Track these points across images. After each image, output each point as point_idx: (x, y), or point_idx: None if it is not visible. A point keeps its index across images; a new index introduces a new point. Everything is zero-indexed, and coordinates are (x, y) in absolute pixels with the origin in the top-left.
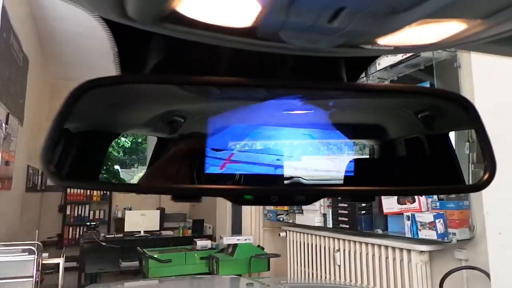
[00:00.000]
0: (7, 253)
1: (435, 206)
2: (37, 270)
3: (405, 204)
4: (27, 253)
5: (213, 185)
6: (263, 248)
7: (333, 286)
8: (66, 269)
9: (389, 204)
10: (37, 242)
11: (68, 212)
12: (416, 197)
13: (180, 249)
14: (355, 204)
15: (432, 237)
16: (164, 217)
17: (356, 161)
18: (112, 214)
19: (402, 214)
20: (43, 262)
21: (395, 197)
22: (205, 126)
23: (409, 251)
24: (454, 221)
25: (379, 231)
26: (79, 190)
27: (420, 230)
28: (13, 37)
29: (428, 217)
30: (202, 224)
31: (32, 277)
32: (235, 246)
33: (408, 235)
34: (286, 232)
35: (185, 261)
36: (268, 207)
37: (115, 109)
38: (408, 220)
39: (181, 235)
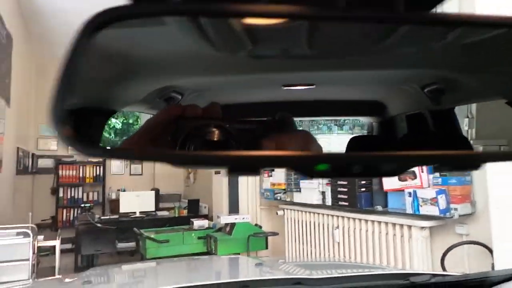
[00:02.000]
0: (1, 236)
1: (437, 182)
2: (33, 253)
3: (406, 180)
4: (22, 236)
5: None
6: (260, 227)
7: (335, 264)
8: (62, 251)
9: (390, 181)
10: (31, 225)
11: (61, 194)
12: (417, 173)
13: (177, 229)
14: (355, 181)
15: (434, 213)
16: (159, 197)
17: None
18: (106, 196)
19: (403, 190)
20: (39, 244)
21: None
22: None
23: (409, 227)
24: (456, 196)
25: (379, 208)
26: (71, 172)
27: (421, 206)
28: None
29: (430, 193)
30: (198, 204)
31: (28, 260)
32: (232, 225)
33: (409, 211)
34: (283, 211)
35: (183, 241)
36: (265, 186)
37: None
38: (410, 196)
39: (176, 215)
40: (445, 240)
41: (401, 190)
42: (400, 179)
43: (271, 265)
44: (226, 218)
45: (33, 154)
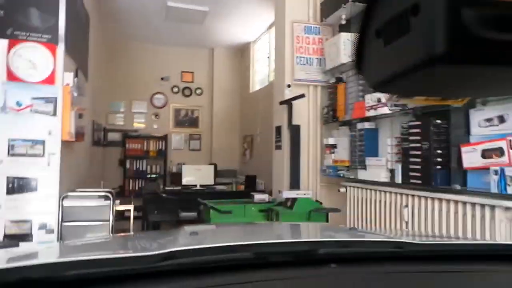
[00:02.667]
0: (86, 198)
1: None
2: (112, 215)
3: (491, 158)
4: (103, 199)
5: None
6: (321, 203)
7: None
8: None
9: (471, 158)
10: (111, 190)
11: (127, 166)
12: (505, 149)
13: (238, 202)
14: (430, 158)
15: None
16: (216, 173)
17: None
18: (168, 169)
19: (487, 169)
20: (116, 208)
21: (479, 151)
22: None
23: (492, 207)
24: None
25: (457, 187)
26: (136, 146)
27: (509, 185)
28: None
29: None
30: (255, 180)
31: (108, 220)
32: (294, 200)
33: (494, 191)
34: (346, 188)
35: (244, 213)
36: (326, 163)
37: None
38: (496, 174)
39: (234, 190)
40: None
41: (484, 168)
42: (483, 156)
43: (364, 231)
44: (288, 193)
45: (104, 128)
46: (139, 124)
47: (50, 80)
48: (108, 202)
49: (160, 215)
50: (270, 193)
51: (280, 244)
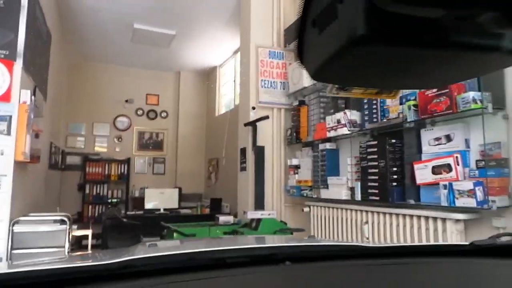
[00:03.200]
0: (40, 223)
1: (474, 175)
2: (68, 240)
3: (441, 174)
4: (58, 224)
5: None
6: (285, 223)
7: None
8: (87, 246)
9: (423, 175)
10: (68, 214)
11: (87, 191)
12: (452, 166)
13: (203, 225)
14: (387, 175)
15: (471, 205)
16: (181, 197)
17: None
18: (130, 193)
19: (437, 184)
20: (73, 233)
21: (429, 168)
22: None
23: (444, 220)
24: (494, 188)
25: (412, 202)
26: (97, 169)
27: (457, 198)
28: (39, 10)
29: (467, 185)
30: (220, 202)
31: (64, 247)
32: (258, 220)
33: (444, 204)
34: (310, 207)
35: (209, 235)
36: (290, 183)
37: None
38: (445, 189)
39: (199, 213)
40: (481, 234)
41: (435, 184)
42: (434, 173)
43: (322, 239)
44: (252, 214)
45: (62, 151)
46: (100, 148)
47: (5, 97)
48: (64, 226)
49: (121, 242)
50: (235, 215)
51: (238, 250)
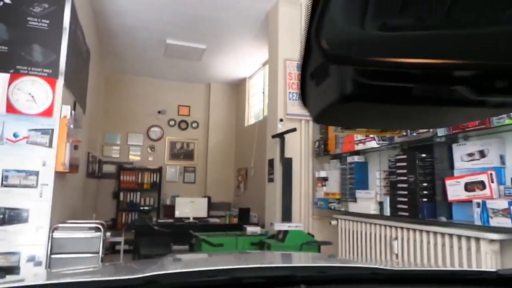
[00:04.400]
0: (76, 230)
1: (509, 193)
2: (102, 247)
3: (474, 191)
4: (93, 231)
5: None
6: (313, 236)
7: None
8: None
9: (455, 191)
10: (102, 222)
11: (121, 198)
12: (486, 183)
13: (230, 235)
14: (416, 191)
15: (506, 225)
16: (210, 206)
17: None
18: (161, 201)
19: (470, 201)
20: (107, 240)
21: (462, 184)
22: None
23: (477, 239)
24: None
25: (443, 219)
26: (131, 178)
27: (491, 217)
28: (79, 30)
29: (501, 203)
30: (248, 212)
31: (98, 253)
32: (285, 232)
33: (477, 223)
34: (337, 221)
35: (236, 246)
36: (318, 195)
37: None
38: (478, 207)
39: (227, 223)
40: None
41: (467, 201)
42: (467, 189)
43: (343, 258)
44: (280, 226)
45: (99, 160)
46: (134, 156)
47: (48, 112)
48: (98, 233)
49: (152, 248)
50: (263, 226)
51: (256, 269)
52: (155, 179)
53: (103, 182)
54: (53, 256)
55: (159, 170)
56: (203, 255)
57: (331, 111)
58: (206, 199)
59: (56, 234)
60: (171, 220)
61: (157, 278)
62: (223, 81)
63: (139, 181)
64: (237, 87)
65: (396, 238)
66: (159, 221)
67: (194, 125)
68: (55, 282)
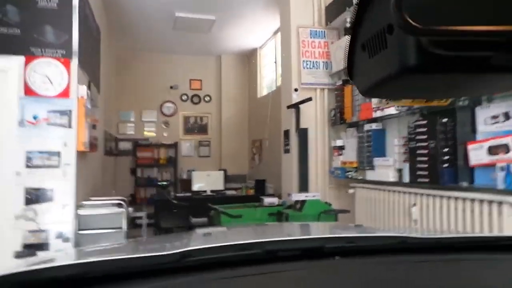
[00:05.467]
0: (100, 207)
1: None
2: (125, 223)
3: (497, 154)
4: (116, 207)
5: None
6: (330, 205)
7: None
8: (141, 225)
9: (478, 155)
10: (124, 198)
11: (138, 174)
12: (511, 146)
13: (249, 206)
14: (437, 156)
15: None
16: (226, 178)
17: None
18: (178, 176)
19: (493, 165)
20: (130, 215)
21: (485, 148)
22: None
23: (500, 203)
24: None
25: (465, 184)
26: (147, 154)
27: None
28: (88, 8)
29: None
30: (264, 183)
31: (121, 228)
32: (303, 202)
33: (501, 187)
34: (355, 189)
35: (254, 217)
36: (335, 164)
37: None
38: (502, 170)
39: (244, 194)
40: None
41: (490, 165)
42: (490, 153)
43: (369, 228)
44: (297, 196)
45: (115, 138)
46: (149, 133)
47: (65, 93)
48: (121, 209)
49: (172, 221)
50: (279, 197)
51: (288, 241)
52: (170, 154)
53: (120, 159)
54: (79, 232)
55: (175, 145)
56: (232, 229)
57: (385, 84)
58: (222, 172)
59: (81, 211)
60: (188, 194)
61: (192, 253)
62: (233, 52)
63: (155, 156)
64: (248, 58)
65: (415, 205)
66: (177, 195)
67: (207, 98)
68: (95, 260)
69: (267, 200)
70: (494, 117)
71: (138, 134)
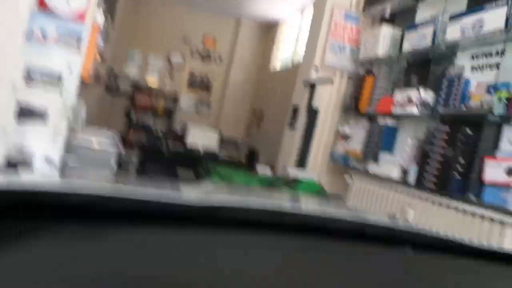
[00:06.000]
0: (92, 136)
1: None
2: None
3: None
4: (108, 140)
5: None
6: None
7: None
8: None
9: (494, 173)
10: (116, 135)
11: (133, 118)
12: None
13: (241, 171)
14: (451, 165)
15: None
16: (221, 141)
17: None
18: (173, 128)
19: (507, 186)
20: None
21: (503, 167)
22: None
23: (503, 224)
24: None
25: (472, 197)
26: (145, 99)
27: None
28: None
29: None
30: (257, 154)
31: (111, 166)
32: (297, 180)
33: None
34: (352, 178)
35: (246, 183)
36: (337, 149)
37: None
38: None
39: (236, 160)
40: None
41: (504, 185)
42: (508, 173)
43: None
44: (294, 171)
45: (116, 76)
46: (152, 79)
47: (81, 16)
48: (114, 148)
49: (159, 171)
50: (272, 169)
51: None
52: (169, 106)
53: (118, 100)
54: (66, 158)
55: (175, 98)
56: (238, 191)
57: None
58: (217, 133)
59: (72, 139)
60: (181, 148)
61: (218, 210)
62: (254, 20)
63: (154, 104)
64: (269, 29)
65: (412, 208)
66: (170, 147)
67: (218, 59)
68: (114, 196)
69: (261, 170)
70: None
71: (140, 77)
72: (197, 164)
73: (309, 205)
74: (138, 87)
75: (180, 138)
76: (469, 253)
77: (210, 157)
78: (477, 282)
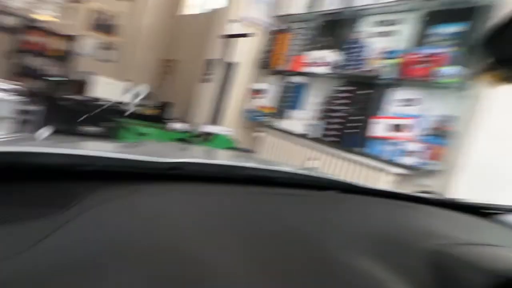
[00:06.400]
0: None
1: (420, 140)
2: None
3: (396, 132)
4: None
5: None
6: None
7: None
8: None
9: (377, 129)
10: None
11: (19, 60)
12: (406, 127)
13: (153, 126)
14: (348, 122)
15: (410, 163)
16: (133, 91)
17: None
18: (71, 75)
19: (386, 139)
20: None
21: (385, 124)
22: None
23: (381, 170)
24: (435, 154)
25: (358, 150)
26: (34, 39)
27: (400, 156)
28: None
29: (413, 147)
30: (171, 107)
31: (10, 117)
32: (211, 134)
33: (387, 158)
34: (263, 134)
35: (160, 138)
36: (250, 106)
37: None
38: (392, 145)
39: (147, 113)
40: (408, 188)
41: (385, 139)
42: (388, 130)
43: None
44: (210, 128)
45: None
46: (46, 15)
47: None
48: (13, 96)
49: (59, 124)
50: (185, 122)
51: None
52: (67, 48)
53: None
54: None
55: (74, 39)
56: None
57: None
58: (125, 82)
59: None
60: (84, 98)
61: (183, 166)
62: None
63: (47, 46)
64: None
65: (313, 159)
66: (70, 97)
67: None
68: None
69: (175, 125)
70: (402, 100)
71: (29, 11)
72: (103, 119)
73: (223, 158)
74: (27, 23)
75: (80, 86)
76: (358, 192)
77: (116, 109)
78: (358, 210)
